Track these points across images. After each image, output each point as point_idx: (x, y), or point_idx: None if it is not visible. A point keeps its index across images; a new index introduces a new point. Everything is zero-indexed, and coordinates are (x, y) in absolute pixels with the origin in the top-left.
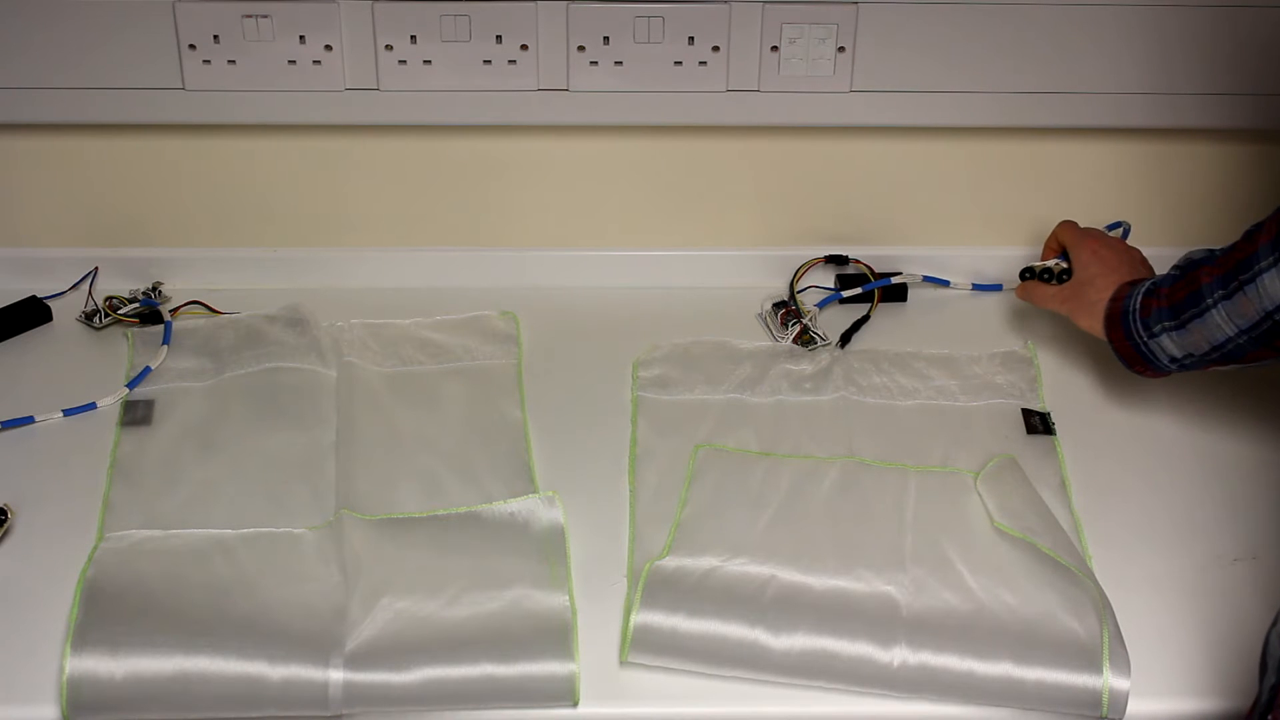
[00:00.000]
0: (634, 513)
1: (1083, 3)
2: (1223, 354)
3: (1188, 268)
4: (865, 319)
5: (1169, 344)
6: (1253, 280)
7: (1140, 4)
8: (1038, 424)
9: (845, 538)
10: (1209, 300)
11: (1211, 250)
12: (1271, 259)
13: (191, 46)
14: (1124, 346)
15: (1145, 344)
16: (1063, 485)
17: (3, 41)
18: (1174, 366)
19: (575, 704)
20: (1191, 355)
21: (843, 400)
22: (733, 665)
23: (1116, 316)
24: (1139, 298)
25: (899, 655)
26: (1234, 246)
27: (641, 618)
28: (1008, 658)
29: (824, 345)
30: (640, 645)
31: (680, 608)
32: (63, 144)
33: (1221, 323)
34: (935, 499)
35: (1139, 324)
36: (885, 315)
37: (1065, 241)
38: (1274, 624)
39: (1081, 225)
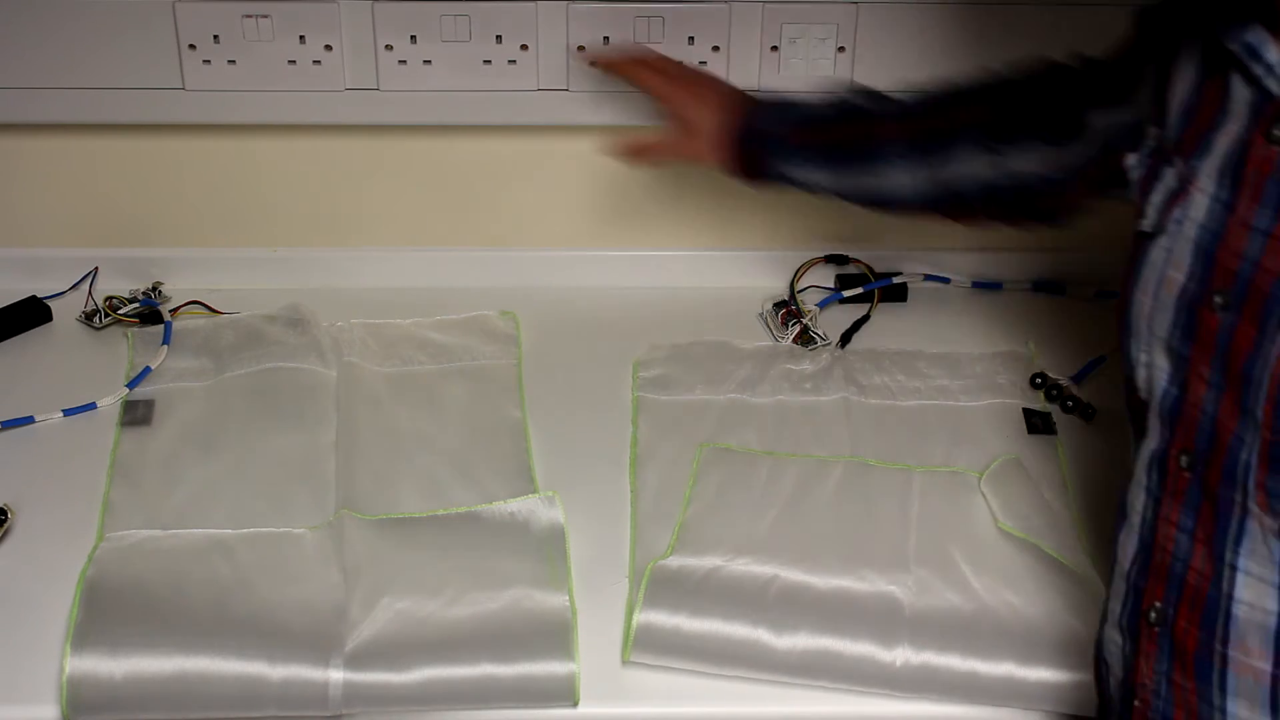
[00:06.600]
0: (635, 513)
1: (1081, 3)
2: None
3: (852, 113)
4: (865, 319)
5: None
6: (944, 159)
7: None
8: (1039, 424)
9: (849, 538)
10: (891, 155)
11: (876, 94)
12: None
13: (191, 46)
14: (740, 154)
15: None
16: (1064, 485)
17: (3, 41)
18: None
19: (575, 704)
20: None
21: (843, 400)
22: (735, 665)
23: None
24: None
25: (902, 655)
26: (925, 110)
27: (644, 617)
28: (1010, 658)
29: (824, 345)
30: (643, 644)
31: (683, 607)
32: (63, 144)
33: (901, 178)
34: (939, 499)
35: (769, 144)
36: (885, 315)
37: (654, 91)
38: (1103, 622)
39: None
